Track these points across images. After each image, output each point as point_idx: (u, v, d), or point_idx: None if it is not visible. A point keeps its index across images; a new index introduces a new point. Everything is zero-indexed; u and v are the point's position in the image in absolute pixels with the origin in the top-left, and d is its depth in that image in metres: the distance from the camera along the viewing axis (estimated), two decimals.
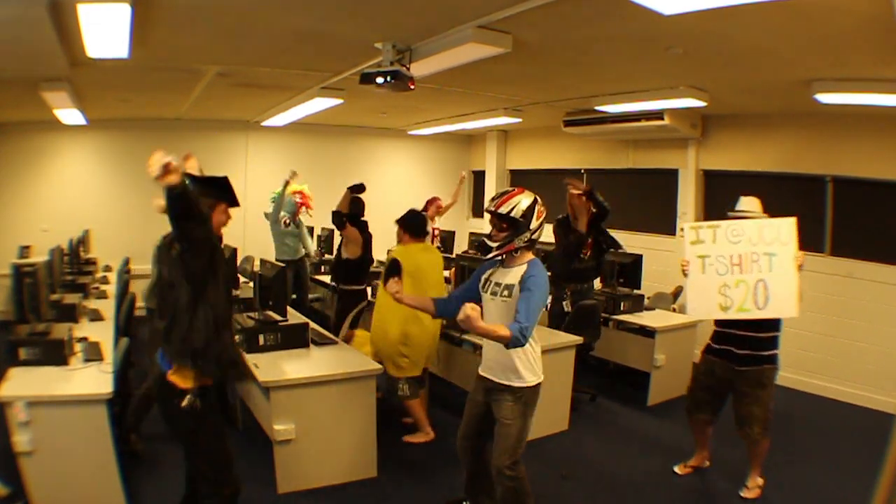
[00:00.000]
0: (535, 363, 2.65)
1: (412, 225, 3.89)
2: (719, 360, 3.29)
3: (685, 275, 3.18)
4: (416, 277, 3.70)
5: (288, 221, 6.18)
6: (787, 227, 2.98)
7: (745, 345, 3.18)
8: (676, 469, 3.62)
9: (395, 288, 2.81)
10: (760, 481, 3.37)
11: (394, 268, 3.64)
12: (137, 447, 3.61)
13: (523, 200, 2.60)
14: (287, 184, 6.06)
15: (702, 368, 3.43)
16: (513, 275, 2.60)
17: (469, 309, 2.19)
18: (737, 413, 3.30)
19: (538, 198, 2.65)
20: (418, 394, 3.92)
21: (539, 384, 2.66)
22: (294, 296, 6.17)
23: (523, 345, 2.37)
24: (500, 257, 2.68)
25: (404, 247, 3.84)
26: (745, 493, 3.33)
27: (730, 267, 3.05)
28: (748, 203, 3.35)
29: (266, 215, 6.31)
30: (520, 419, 2.61)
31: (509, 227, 2.59)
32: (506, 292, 2.60)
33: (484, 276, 2.74)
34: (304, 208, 6.32)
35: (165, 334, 2.29)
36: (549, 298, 4.80)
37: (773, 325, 3.17)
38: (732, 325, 3.17)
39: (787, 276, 2.94)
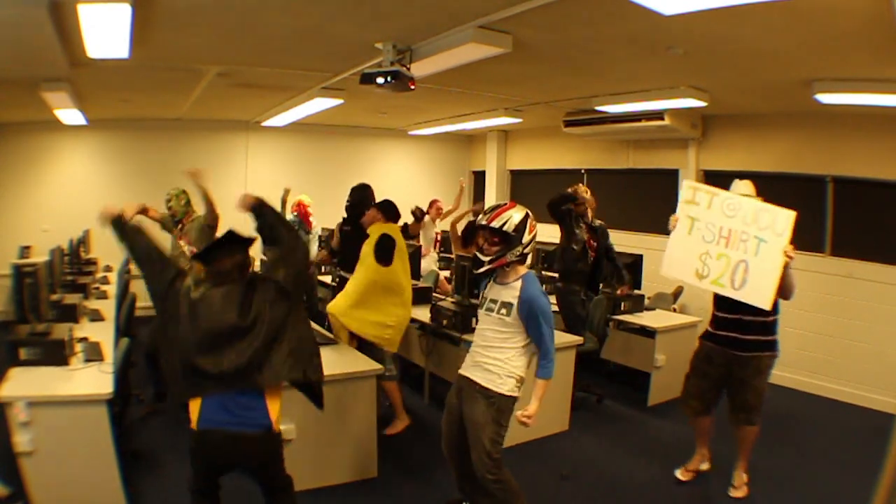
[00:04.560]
0: (515, 375, 2.64)
1: (389, 209, 4.01)
2: (718, 346, 3.25)
3: (671, 229, 3.13)
4: (403, 255, 3.88)
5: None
6: (784, 217, 2.92)
7: (749, 330, 3.12)
8: (678, 474, 3.55)
9: None
10: (745, 478, 3.34)
11: (389, 244, 3.81)
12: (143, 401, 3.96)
13: (515, 215, 2.60)
14: (284, 202, 6.07)
15: (700, 355, 3.38)
16: (508, 292, 2.61)
17: (524, 419, 2.57)
18: (731, 401, 3.27)
19: (529, 213, 2.66)
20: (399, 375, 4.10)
21: (515, 399, 2.65)
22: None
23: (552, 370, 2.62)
24: (491, 272, 2.70)
25: (388, 225, 3.92)
26: (733, 493, 3.31)
27: (717, 237, 3.01)
28: (743, 186, 3.26)
29: None
30: (492, 424, 2.61)
31: (501, 241, 2.59)
32: (503, 310, 2.61)
33: (481, 295, 2.78)
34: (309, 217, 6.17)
35: (259, 363, 2.21)
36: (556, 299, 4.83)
37: (773, 308, 3.09)
38: (735, 309, 3.10)
39: (771, 267, 2.89)
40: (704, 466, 3.60)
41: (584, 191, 4.67)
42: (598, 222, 4.78)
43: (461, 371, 2.79)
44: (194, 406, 2.22)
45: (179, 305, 2.24)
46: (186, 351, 2.21)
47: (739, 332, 3.16)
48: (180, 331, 2.22)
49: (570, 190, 4.66)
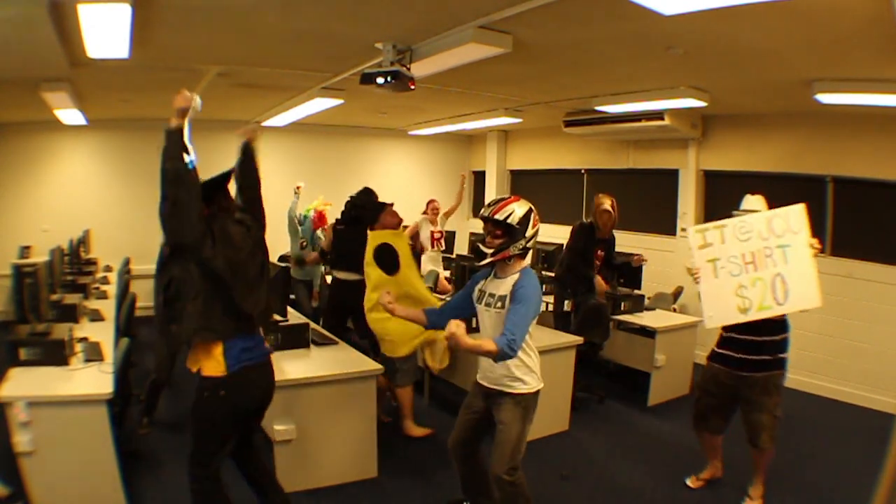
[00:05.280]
0: (534, 369, 2.64)
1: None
2: (724, 367, 3.17)
3: (696, 282, 3.05)
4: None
5: (305, 244, 5.85)
6: (795, 214, 2.89)
7: (759, 350, 3.05)
8: (688, 482, 3.49)
9: (388, 299, 2.80)
10: (762, 489, 3.28)
11: (389, 253, 3.80)
12: (144, 432, 3.85)
13: (519, 208, 2.60)
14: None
15: (707, 376, 3.31)
16: (505, 285, 2.60)
17: (454, 326, 2.24)
18: (744, 421, 3.20)
19: (533, 207, 2.66)
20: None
21: (538, 391, 2.65)
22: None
23: (511, 357, 2.38)
24: (491, 266, 2.69)
25: (383, 232, 3.94)
26: (748, 503, 3.25)
27: (743, 266, 2.94)
28: (755, 202, 3.21)
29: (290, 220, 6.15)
30: (518, 423, 2.60)
31: (504, 233, 2.59)
32: (499, 304, 2.60)
33: (478, 288, 2.74)
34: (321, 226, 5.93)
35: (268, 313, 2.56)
36: (552, 298, 4.84)
37: (782, 326, 3.06)
38: (746, 330, 3.03)
39: (805, 266, 2.86)
40: (719, 475, 3.53)
41: (602, 202, 4.58)
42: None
43: (479, 379, 2.75)
44: (215, 353, 2.30)
45: (216, 246, 2.27)
46: (229, 294, 2.31)
47: (748, 353, 3.08)
48: (222, 272, 2.28)
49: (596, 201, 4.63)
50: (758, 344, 3.06)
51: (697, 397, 3.39)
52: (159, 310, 2.32)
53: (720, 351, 3.22)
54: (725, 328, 3.17)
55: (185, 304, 2.25)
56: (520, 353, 2.57)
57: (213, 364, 2.30)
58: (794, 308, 2.91)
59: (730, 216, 3.15)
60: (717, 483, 3.49)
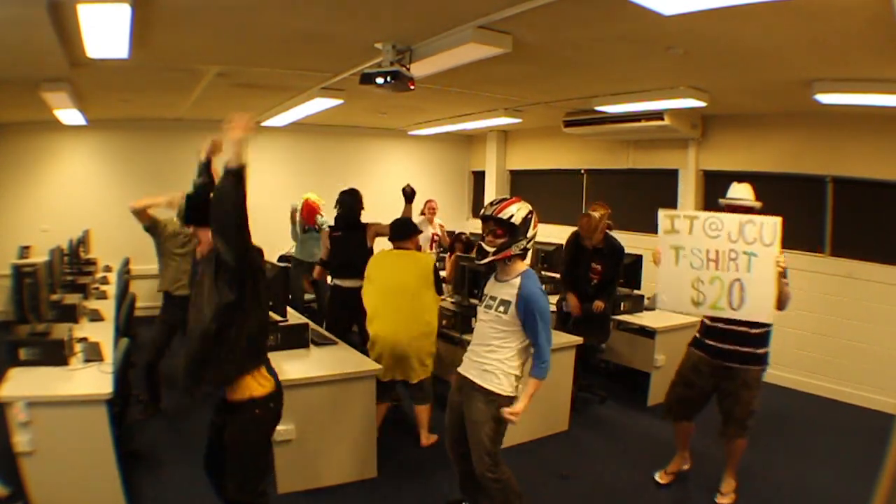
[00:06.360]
0: (513, 377, 2.64)
1: (392, 228, 3.96)
2: (707, 356, 3.19)
3: (656, 264, 3.09)
4: (374, 282, 3.75)
5: (306, 227, 5.99)
6: (770, 226, 2.84)
7: (741, 342, 3.07)
8: (657, 477, 3.52)
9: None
10: (734, 484, 3.30)
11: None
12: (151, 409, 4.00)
13: (521, 209, 2.63)
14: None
15: (688, 364, 3.31)
16: (507, 289, 2.62)
17: (511, 415, 2.53)
18: (720, 412, 3.23)
19: (532, 209, 2.68)
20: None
21: (513, 398, 2.65)
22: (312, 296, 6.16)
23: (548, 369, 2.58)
24: (490, 269, 2.72)
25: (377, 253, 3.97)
26: (720, 500, 3.26)
27: (705, 262, 2.95)
28: (741, 190, 3.18)
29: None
30: (490, 422, 2.62)
31: (506, 233, 2.61)
32: (501, 307, 2.62)
33: (481, 292, 2.79)
34: (315, 214, 5.98)
35: None
36: (556, 298, 4.84)
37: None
38: (728, 321, 3.04)
39: (766, 280, 2.83)
40: (685, 467, 3.58)
41: (587, 217, 4.41)
42: (611, 236, 4.53)
43: (460, 370, 2.80)
44: (259, 375, 2.31)
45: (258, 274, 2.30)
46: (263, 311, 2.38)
47: (731, 343, 3.10)
48: (262, 300, 2.34)
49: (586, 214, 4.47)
50: (742, 335, 3.06)
51: (674, 383, 3.38)
52: (205, 337, 2.17)
53: (703, 339, 3.23)
54: (710, 317, 3.18)
55: (236, 333, 2.19)
56: (508, 353, 2.61)
57: (259, 384, 2.29)
58: (746, 317, 2.93)
59: (717, 205, 3.16)
60: (709, 481, 3.49)
